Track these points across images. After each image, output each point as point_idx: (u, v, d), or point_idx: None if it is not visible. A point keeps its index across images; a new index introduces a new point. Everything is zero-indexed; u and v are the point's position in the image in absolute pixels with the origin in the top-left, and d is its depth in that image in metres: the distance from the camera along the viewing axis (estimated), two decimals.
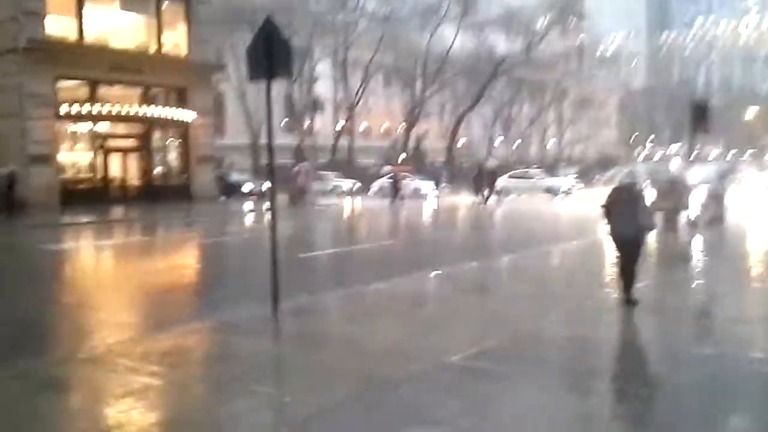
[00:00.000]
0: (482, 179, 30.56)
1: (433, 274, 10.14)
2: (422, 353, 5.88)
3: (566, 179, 37.48)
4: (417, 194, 34.71)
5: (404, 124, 56.56)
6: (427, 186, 36.06)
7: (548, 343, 6.38)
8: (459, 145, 62.45)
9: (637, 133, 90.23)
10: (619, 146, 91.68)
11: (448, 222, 23.10)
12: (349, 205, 30.41)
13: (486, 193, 29.99)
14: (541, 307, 7.75)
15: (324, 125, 49.17)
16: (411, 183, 35.69)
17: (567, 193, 34.15)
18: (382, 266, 11.54)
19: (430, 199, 32.29)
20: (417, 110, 54.86)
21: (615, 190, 7.85)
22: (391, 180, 31.75)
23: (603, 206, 7.90)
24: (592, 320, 7.25)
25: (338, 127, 52.35)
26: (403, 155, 51.46)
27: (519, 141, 72.59)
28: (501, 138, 69.13)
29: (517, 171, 40.07)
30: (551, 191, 34.55)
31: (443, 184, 37.84)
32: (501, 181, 36.48)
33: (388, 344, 6.23)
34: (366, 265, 11.93)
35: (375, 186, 36.38)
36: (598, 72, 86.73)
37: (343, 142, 51.79)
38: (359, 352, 5.94)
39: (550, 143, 75.69)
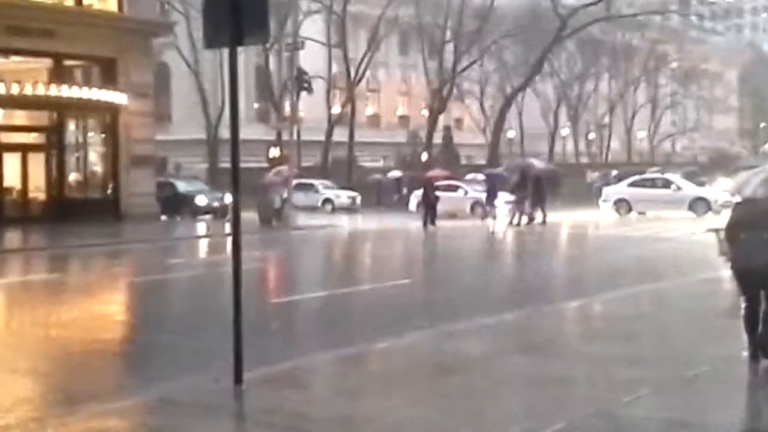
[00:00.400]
0: (525, 188, 30.34)
1: (466, 325, 10.12)
2: None
3: (717, 191, 35.69)
4: (478, 210, 33.90)
5: (428, 109, 56.78)
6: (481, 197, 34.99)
7: (635, 428, 6.32)
8: (506, 139, 62.68)
9: (763, 123, 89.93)
10: (741, 139, 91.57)
11: (491, 251, 23.04)
12: (348, 227, 30.45)
13: (529, 206, 29.75)
14: (626, 375, 7.70)
15: (313, 111, 49.45)
16: (464, 193, 35.42)
17: (720, 208, 32.48)
18: (393, 316, 11.53)
19: (490, 218, 31.80)
20: (447, 89, 55.12)
21: (741, 205, 7.88)
22: (423, 191, 31.49)
23: (725, 229, 7.93)
24: (700, 393, 7.18)
25: (333, 114, 52.68)
26: (425, 155, 51.59)
27: (593, 133, 72.68)
28: (567, 129, 69.26)
29: (643, 176, 38.91)
30: (699, 207, 33.04)
31: (501, 197, 35.63)
32: (618, 191, 35.72)
33: (402, 430, 6.20)
34: (370, 315, 11.93)
35: (413, 199, 35.86)
36: (710, 32, 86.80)
37: (340, 135, 52.04)
38: None
39: (640, 136, 75.66)
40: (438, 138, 56.30)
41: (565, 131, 69.19)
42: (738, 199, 8.11)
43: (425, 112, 58.14)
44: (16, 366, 9.15)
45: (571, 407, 6.70)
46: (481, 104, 61.90)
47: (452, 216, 32.87)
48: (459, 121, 66.48)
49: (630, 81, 72.13)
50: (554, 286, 15.13)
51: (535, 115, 65.87)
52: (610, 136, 72.68)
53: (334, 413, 6.74)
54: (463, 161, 56.90)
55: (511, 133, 65.45)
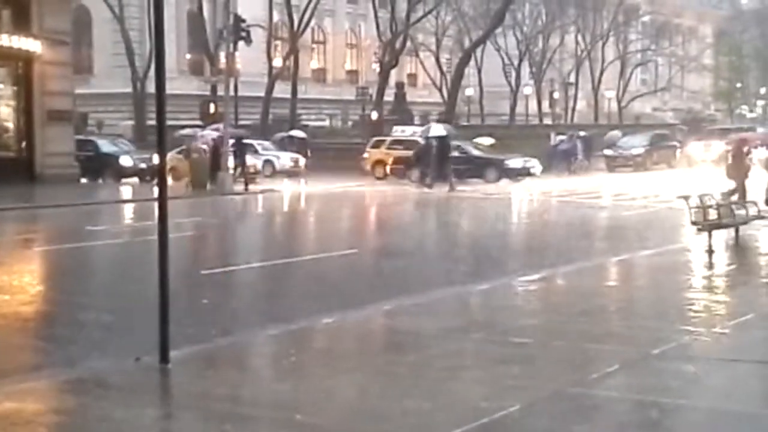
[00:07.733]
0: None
1: (420, 299, 10.14)
2: (400, 429, 5.85)
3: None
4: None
5: (378, 63, 56.67)
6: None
7: (599, 410, 6.39)
8: (464, 97, 62.76)
9: (740, 84, 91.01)
10: (715, 100, 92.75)
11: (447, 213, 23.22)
12: (289, 191, 30.37)
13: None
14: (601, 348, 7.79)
15: (251, 64, 48.89)
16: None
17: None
18: (340, 289, 11.54)
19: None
20: (400, 41, 54.96)
21: None
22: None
23: None
24: (666, 371, 7.28)
25: (274, 67, 52.22)
26: (374, 113, 51.46)
27: (558, 92, 73.12)
28: (530, 87, 69.57)
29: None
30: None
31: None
32: None
33: (342, 413, 6.19)
34: (314, 287, 11.91)
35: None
36: None
37: (282, 91, 51.63)
38: (298, 427, 5.89)
39: (608, 96, 76.33)
40: (390, 96, 56.11)
41: (527, 90, 69.42)
42: None
43: (375, 67, 57.90)
44: None
45: (531, 387, 6.74)
46: (437, 59, 61.68)
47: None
48: (413, 77, 66.25)
49: (598, 36, 72.48)
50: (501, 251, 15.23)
51: (495, 72, 65.95)
52: (576, 95, 73.08)
53: (272, 395, 6.70)
54: (417, 120, 56.76)
55: (470, 91, 65.48)
